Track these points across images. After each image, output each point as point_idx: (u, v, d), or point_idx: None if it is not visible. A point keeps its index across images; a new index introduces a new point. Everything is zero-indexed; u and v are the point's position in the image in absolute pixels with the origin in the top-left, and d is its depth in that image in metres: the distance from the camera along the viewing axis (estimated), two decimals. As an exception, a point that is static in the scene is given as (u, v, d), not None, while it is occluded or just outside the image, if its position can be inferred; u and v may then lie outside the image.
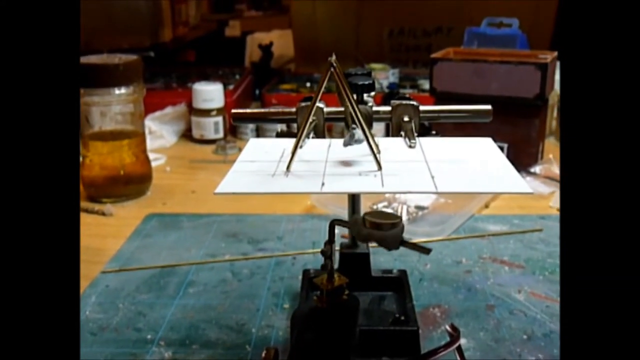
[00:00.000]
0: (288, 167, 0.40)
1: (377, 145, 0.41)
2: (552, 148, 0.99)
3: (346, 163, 0.42)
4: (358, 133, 0.43)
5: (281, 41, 1.57)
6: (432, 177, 0.38)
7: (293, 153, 0.41)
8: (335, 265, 0.44)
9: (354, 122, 0.44)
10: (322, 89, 0.40)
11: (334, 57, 0.38)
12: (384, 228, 0.37)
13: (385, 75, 1.22)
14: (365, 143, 0.41)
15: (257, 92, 1.34)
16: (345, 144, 0.44)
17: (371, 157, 0.40)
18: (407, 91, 1.21)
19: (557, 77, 0.95)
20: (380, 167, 0.40)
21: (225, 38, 1.90)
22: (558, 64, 0.94)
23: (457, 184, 0.37)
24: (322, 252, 0.42)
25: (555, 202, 0.80)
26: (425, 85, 1.20)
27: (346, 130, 0.49)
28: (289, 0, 1.68)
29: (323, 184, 0.38)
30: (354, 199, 0.51)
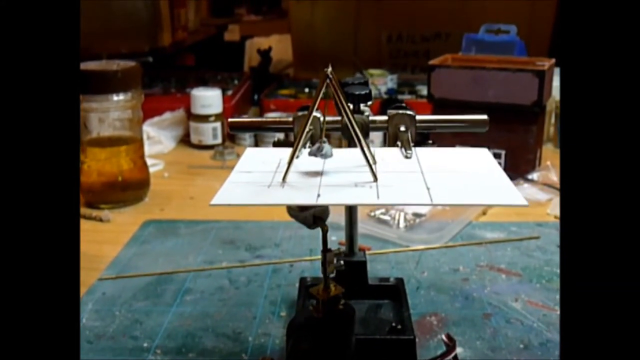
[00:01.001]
0: (284, 177, 0.40)
1: (373, 156, 0.41)
2: (549, 155, 0.99)
3: (342, 174, 0.42)
4: (327, 147, 0.42)
5: (280, 46, 1.58)
6: (428, 189, 0.38)
7: (289, 163, 0.41)
8: (333, 274, 0.44)
9: (329, 134, 0.44)
10: (319, 99, 0.40)
11: (330, 69, 0.38)
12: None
13: (383, 81, 1.23)
14: (361, 154, 0.41)
15: (255, 97, 1.34)
16: (311, 154, 0.42)
17: (367, 168, 0.40)
18: (406, 97, 1.21)
19: (555, 83, 0.95)
20: (376, 179, 0.40)
21: (225, 42, 1.90)
22: (555, 70, 0.94)
23: (452, 196, 0.38)
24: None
25: (552, 209, 0.80)
26: (424, 91, 1.21)
27: (344, 140, 0.49)
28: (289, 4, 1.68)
29: (319, 195, 0.38)
30: (350, 207, 0.51)
